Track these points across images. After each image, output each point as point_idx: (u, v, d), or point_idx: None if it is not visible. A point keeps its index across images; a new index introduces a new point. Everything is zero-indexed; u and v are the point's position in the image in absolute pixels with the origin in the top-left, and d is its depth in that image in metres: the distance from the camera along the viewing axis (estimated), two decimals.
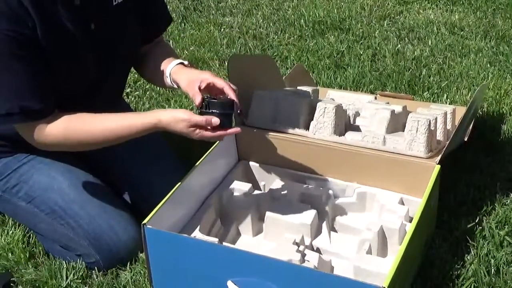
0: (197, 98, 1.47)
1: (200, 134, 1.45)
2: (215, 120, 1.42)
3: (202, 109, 1.45)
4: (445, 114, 1.81)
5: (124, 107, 1.97)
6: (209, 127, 1.44)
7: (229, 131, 1.46)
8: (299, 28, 3.00)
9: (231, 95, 1.49)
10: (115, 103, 1.83)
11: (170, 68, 1.64)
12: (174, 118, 1.45)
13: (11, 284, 1.61)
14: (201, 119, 1.43)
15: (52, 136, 1.52)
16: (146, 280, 1.57)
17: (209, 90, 1.52)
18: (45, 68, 1.50)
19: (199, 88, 1.50)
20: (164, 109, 1.51)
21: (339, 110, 1.74)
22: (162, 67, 1.67)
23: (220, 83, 1.51)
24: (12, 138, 1.67)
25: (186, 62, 1.65)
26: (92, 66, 1.61)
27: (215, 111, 1.44)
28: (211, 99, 1.45)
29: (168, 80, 1.65)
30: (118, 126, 1.51)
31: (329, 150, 1.71)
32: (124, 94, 2.47)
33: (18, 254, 1.68)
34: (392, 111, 1.74)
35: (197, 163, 1.65)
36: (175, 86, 1.64)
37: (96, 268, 1.63)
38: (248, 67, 1.90)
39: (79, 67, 1.58)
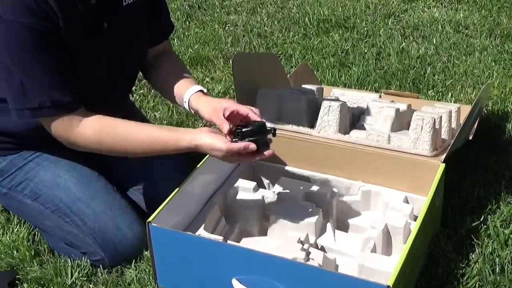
0: (225, 126, 1.48)
1: (237, 159, 1.48)
2: (253, 146, 1.44)
3: (236, 139, 1.45)
4: (450, 112, 1.81)
5: (129, 106, 1.98)
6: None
7: (265, 153, 1.47)
8: (303, 27, 3.00)
9: (257, 119, 1.50)
10: (123, 103, 1.84)
11: (189, 95, 1.63)
12: (212, 146, 1.45)
13: (16, 281, 1.61)
14: (238, 147, 1.43)
15: (85, 136, 1.52)
16: (151, 278, 1.57)
17: (233, 117, 1.52)
18: (69, 63, 1.51)
19: (224, 116, 1.52)
20: (203, 130, 1.48)
21: (344, 109, 1.74)
22: (176, 89, 1.67)
23: (244, 109, 1.52)
24: (19, 135, 1.68)
25: (205, 90, 1.66)
26: (104, 65, 1.62)
27: (251, 138, 1.44)
28: (242, 129, 1.45)
29: (186, 106, 1.65)
30: (154, 141, 1.51)
31: (333, 148, 1.71)
32: None
33: (23, 252, 1.69)
34: (397, 110, 1.74)
35: (202, 161, 1.65)
36: (193, 112, 1.65)
37: (101, 265, 1.64)
38: (252, 65, 1.90)
39: (93, 65, 1.59)
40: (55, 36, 1.47)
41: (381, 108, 1.76)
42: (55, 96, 1.48)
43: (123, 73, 1.71)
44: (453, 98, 2.31)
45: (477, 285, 1.53)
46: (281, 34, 2.95)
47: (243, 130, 1.45)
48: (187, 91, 1.64)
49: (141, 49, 1.74)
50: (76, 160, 1.73)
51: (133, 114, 1.94)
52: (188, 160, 1.83)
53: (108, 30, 1.59)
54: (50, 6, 1.45)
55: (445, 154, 1.62)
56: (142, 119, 1.73)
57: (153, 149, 1.52)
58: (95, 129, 1.52)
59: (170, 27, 1.87)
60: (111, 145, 1.54)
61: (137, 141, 1.52)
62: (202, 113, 1.59)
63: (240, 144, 1.44)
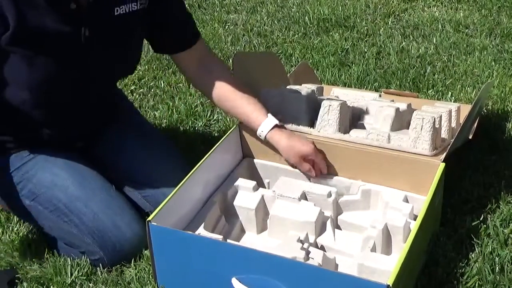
0: (312, 173, 1.72)
1: None
2: None
3: None
4: (450, 112, 1.81)
5: (117, 95, 1.97)
6: None
7: None
8: (303, 26, 3.00)
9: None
10: (109, 92, 1.84)
11: (266, 130, 1.70)
12: None
13: (16, 280, 1.61)
14: None
15: None
16: (150, 277, 1.57)
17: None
18: None
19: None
20: None
21: (344, 108, 1.74)
22: (242, 109, 1.73)
23: (323, 166, 1.71)
24: (17, 134, 1.68)
25: (279, 123, 1.71)
26: (80, 69, 1.61)
27: None
28: None
29: (258, 133, 1.72)
30: None
31: (333, 147, 1.71)
32: (129, 91, 2.48)
33: (23, 251, 1.69)
34: (397, 109, 1.74)
35: (202, 160, 1.65)
36: (267, 140, 1.73)
37: (100, 265, 1.63)
38: (252, 65, 1.90)
39: (70, 69, 1.59)
40: None
41: (381, 108, 1.76)
42: None
43: (101, 77, 1.69)
44: (453, 98, 2.31)
45: (476, 285, 1.53)
46: (281, 33, 2.95)
47: None
48: (262, 123, 1.70)
49: (129, 57, 1.72)
50: (74, 160, 1.73)
51: (121, 102, 1.93)
52: (188, 159, 1.83)
53: (90, 38, 1.57)
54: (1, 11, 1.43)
55: (445, 154, 1.62)
56: (130, 108, 1.73)
57: None
58: None
59: (192, 35, 1.77)
60: None
61: None
62: (281, 152, 1.72)
63: None
